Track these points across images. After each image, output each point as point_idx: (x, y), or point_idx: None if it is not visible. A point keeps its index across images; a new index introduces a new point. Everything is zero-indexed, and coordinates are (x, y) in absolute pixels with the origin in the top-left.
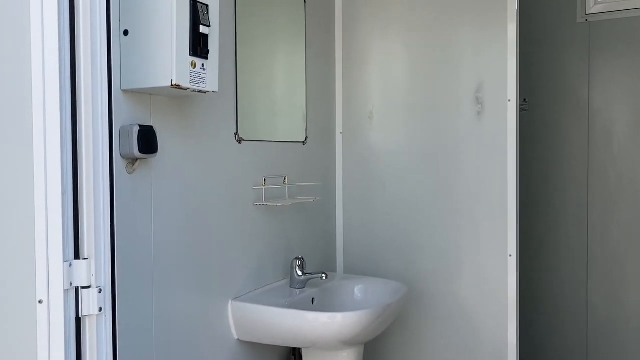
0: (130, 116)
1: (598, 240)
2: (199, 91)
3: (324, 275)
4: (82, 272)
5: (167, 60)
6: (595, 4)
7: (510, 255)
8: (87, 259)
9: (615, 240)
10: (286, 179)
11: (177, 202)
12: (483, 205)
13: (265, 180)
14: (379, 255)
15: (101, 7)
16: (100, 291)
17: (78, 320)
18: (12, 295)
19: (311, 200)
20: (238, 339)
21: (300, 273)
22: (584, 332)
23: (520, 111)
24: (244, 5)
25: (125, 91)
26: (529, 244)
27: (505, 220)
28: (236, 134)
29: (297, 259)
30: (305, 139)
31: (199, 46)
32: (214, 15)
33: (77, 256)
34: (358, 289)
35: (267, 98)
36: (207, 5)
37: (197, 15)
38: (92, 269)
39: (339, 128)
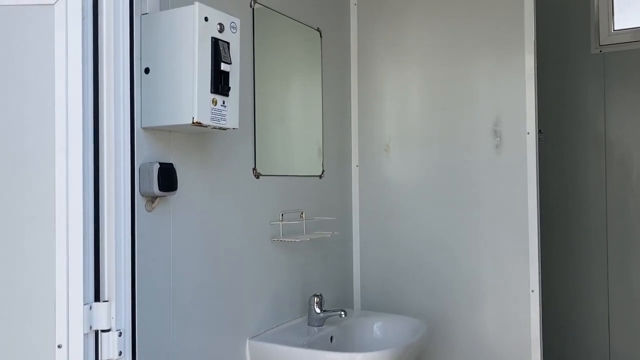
0: (150, 153)
1: (618, 273)
2: (220, 128)
3: (342, 312)
4: (102, 315)
5: (188, 97)
6: (609, 35)
7: (532, 291)
8: (107, 301)
9: (636, 273)
10: (303, 214)
11: (196, 239)
12: (504, 240)
13: (282, 215)
14: (397, 291)
15: (124, 47)
16: (120, 334)
17: None
18: (30, 340)
19: (329, 235)
20: None
21: (318, 310)
22: None
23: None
24: (262, 41)
25: (145, 129)
26: (549, 279)
27: (527, 255)
28: (254, 169)
29: (315, 295)
30: (322, 173)
31: (220, 83)
32: (234, 52)
33: (97, 298)
34: (377, 327)
35: (284, 132)
36: (228, 43)
37: (219, 53)
38: (113, 312)
39: (355, 161)
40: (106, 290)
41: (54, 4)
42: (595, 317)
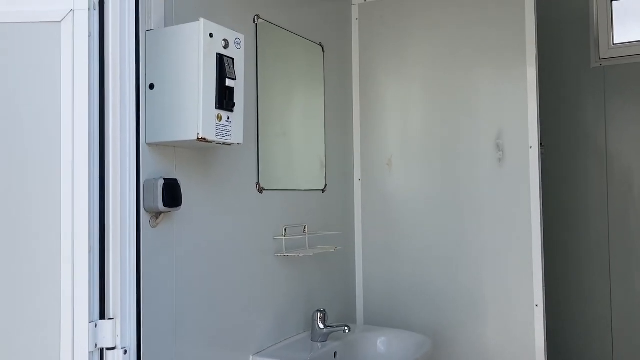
0: (154, 169)
1: (621, 284)
2: (225, 143)
3: (346, 328)
4: (108, 332)
5: (193, 113)
6: (608, 48)
7: (536, 305)
8: (112, 319)
9: (639, 286)
10: (306, 228)
11: (199, 255)
12: (507, 253)
13: (285, 230)
14: (400, 305)
15: (130, 63)
16: (125, 352)
17: None
18: (36, 359)
19: (332, 250)
20: None
21: (322, 326)
22: None
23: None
24: (265, 56)
25: (149, 144)
26: (552, 291)
27: (531, 268)
28: (257, 183)
29: (318, 311)
30: (325, 187)
31: (225, 99)
32: (239, 67)
33: (102, 316)
34: (381, 342)
35: (287, 147)
36: (232, 59)
37: (224, 69)
38: (118, 330)
39: (357, 175)
40: (111, 307)
41: (60, 22)
42: (598, 328)
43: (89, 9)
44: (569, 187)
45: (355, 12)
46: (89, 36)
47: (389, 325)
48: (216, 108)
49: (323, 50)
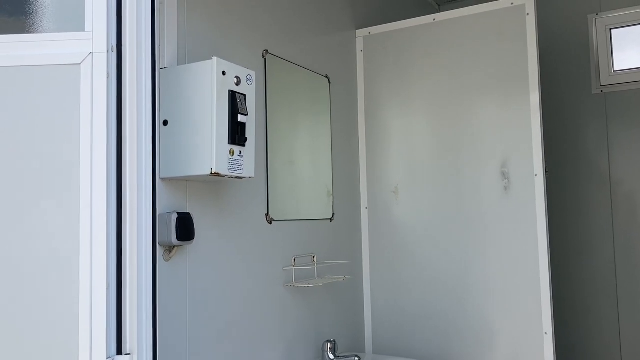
0: (167, 203)
1: (628, 311)
2: (237, 177)
3: (357, 358)
4: None
5: (206, 149)
6: (609, 75)
7: (546, 333)
8: (129, 354)
9: None
10: (315, 258)
11: (211, 287)
12: (515, 281)
13: (295, 260)
14: (408, 333)
15: (147, 102)
16: None
17: None
18: None
19: (341, 280)
20: None
21: (332, 356)
22: None
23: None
24: (273, 89)
25: (163, 179)
26: (559, 319)
27: (539, 296)
28: (267, 214)
29: (328, 341)
30: (332, 216)
31: (237, 134)
32: (250, 103)
33: (119, 351)
34: None
35: (296, 177)
36: (244, 95)
37: (236, 105)
38: None
39: (364, 203)
40: (128, 343)
41: (80, 64)
42: (607, 355)
43: (107, 51)
44: (574, 213)
45: (359, 44)
46: (107, 77)
47: (397, 354)
48: (229, 143)
49: (329, 82)
